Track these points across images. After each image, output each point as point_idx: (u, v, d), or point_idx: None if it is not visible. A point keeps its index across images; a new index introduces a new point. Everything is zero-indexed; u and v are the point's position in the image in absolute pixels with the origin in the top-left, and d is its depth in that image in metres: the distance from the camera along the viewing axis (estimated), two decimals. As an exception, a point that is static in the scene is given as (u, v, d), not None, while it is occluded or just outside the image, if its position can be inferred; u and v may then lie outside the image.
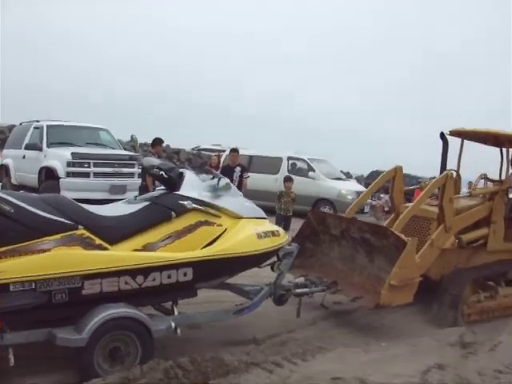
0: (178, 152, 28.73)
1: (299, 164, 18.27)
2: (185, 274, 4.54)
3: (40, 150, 12.71)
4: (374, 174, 26.92)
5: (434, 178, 7.64)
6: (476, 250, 7.35)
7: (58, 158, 12.15)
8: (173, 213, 4.67)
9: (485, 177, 8.05)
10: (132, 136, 28.65)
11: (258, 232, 5.07)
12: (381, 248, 6.23)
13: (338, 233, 6.85)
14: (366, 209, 16.88)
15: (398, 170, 7.50)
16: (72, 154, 11.97)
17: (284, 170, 17.66)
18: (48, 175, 12.26)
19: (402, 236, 6.06)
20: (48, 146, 12.67)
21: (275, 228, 5.42)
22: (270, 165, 18.06)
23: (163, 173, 4.89)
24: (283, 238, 5.38)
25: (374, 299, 5.97)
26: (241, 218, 5.11)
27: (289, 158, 18.21)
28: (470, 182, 9.41)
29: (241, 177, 11.35)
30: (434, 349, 5.63)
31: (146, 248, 4.46)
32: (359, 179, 31.42)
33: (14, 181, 14.02)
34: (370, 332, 6.12)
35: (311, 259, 6.99)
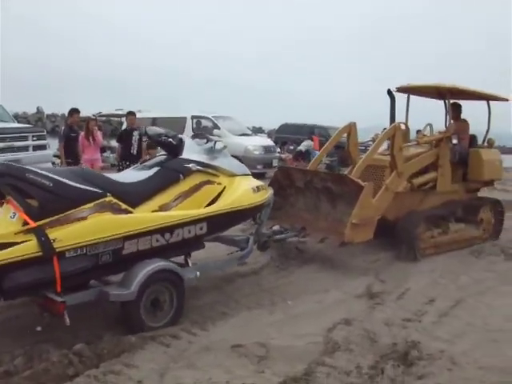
0: (85, 120, 27.82)
1: (204, 122, 18.14)
2: (201, 228, 5.21)
3: None
4: (283, 127, 27.43)
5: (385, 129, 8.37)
6: (427, 192, 8.41)
7: None
8: (181, 175, 5.30)
9: (430, 126, 9.10)
10: (38, 108, 27.47)
11: (252, 187, 5.87)
12: (341, 194, 7.10)
13: (302, 185, 7.66)
14: (275, 162, 17.23)
15: (352, 126, 8.02)
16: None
17: (189, 130, 17.56)
18: None
19: (359, 181, 6.96)
20: None
21: (261, 183, 6.21)
22: (174, 125, 17.73)
23: (171, 140, 5.59)
24: (269, 191, 6.31)
25: (339, 238, 6.79)
26: (235, 175, 5.86)
27: (193, 117, 18.08)
28: (418, 131, 9.86)
29: (140, 140, 11.32)
30: (340, 303, 5.70)
31: (162, 208, 5.07)
32: (271, 133, 31.68)
33: None
34: (276, 291, 6.07)
35: (280, 211, 7.62)
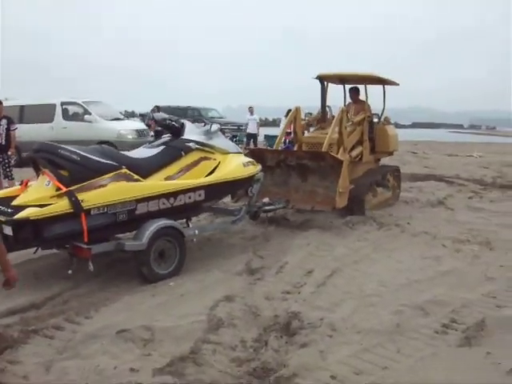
0: None
1: (74, 108, 17.82)
2: (199, 195, 6.41)
3: None
4: (155, 110, 27.20)
5: (310, 113, 11.27)
6: (356, 163, 10.12)
7: None
8: (182, 152, 6.59)
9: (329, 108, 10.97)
10: None
11: (243, 162, 7.16)
12: (315, 169, 8.49)
13: (273, 164, 8.92)
14: None
15: (297, 110, 9.88)
16: None
17: (59, 117, 17.38)
18: None
19: (339, 156, 8.66)
20: None
21: (251, 159, 7.48)
22: (43, 113, 17.61)
23: (174, 123, 6.94)
24: (258, 166, 7.54)
25: (330, 205, 8.17)
26: (228, 153, 7.13)
27: (62, 104, 17.67)
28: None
29: (8, 129, 11.10)
30: (221, 281, 5.90)
31: (167, 179, 6.31)
32: (144, 116, 31.47)
33: None
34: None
35: None
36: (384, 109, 11.27)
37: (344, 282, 5.86)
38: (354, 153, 10.00)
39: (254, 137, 22.64)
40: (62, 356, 4.09)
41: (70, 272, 5.47)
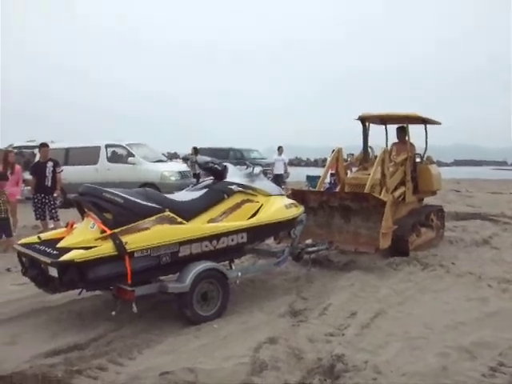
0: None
1: (119, 151, 18.26)
2: (242, 237, 6.46)
3: None
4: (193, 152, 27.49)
5: (352, 154, 11.07)
6: (399, 203, 10.04)
7: None
8: (225, 195, 6.68)
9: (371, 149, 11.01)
10: None
11: (285, 204, 7.21)
12: (358, 210, 8.53)
13: (315, 205, 9.05)
14: None
15: (339, 151, 10.01)
16: None
17: (103, 159, 17.84)
18: None
19: (381, 197, 8.66)
20: None
21: (293, 201, 7.56)
22: (88, 155, 18.14)
23: (217, 166, 7.05)
24: (300, 208, 7.59)
25: (373, 246, 8.18)
26: (270, 195, 7.21)
27: (107, 146, 18.18)
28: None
29: (54, 172, 11.38)
30: (265, 323, 5.88)
31: (210, 222, 6.35)
32: (186, 160, 31.87)
33: None
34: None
35: None
36: (426, 148, 11.24)
37: (388, 324, 5.79)
38: (397, 193, 9.98)
39: (280, 177, 21.98)
40: (105, 397, 4.12)
41: (113, 313, 5.50)
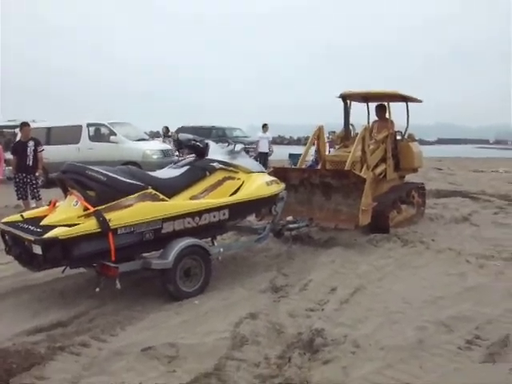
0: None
1: (101, 129, 18.14)
2: (223, 214, 6.49)
3: None
4: (180, 131, 27.37)
5: (334, 132, 11.27)
6: (379, 180, 10.15)
7: None
8: (207, 172, 6.72)
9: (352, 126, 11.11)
10: None
11: (266, 181, 7.24)
12: (338, 187, 8.62)
13: (297, 182, 9.09)
14: None
15: (320, 128, 9.99)
16: None
17: (85, 138, 17.77)
18: None
19: (361, 174, 8.66)
20: None
21: (274, 178, 7.59)
22: (70, 134, 18.00)
23: (199, 144, 7.04)
24: (281, 185, 7.63)
25: (353, 222, 8.24)
26: (251, 172, 7.24)
27: (89, 125, 18.07)
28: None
29: (35, 151, 11.33)
30: (246, 299, 5.95)
31: (192, 199, 6.40)
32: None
33: None
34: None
35: None
36: (408, 126, 11.29)
37: (368, 299, 5.88)
38: (378, 170, 10.07)
39: (265, 156, 21.67)
40: (87, 372, 4.15)
41: (97, 290, 5.57)
